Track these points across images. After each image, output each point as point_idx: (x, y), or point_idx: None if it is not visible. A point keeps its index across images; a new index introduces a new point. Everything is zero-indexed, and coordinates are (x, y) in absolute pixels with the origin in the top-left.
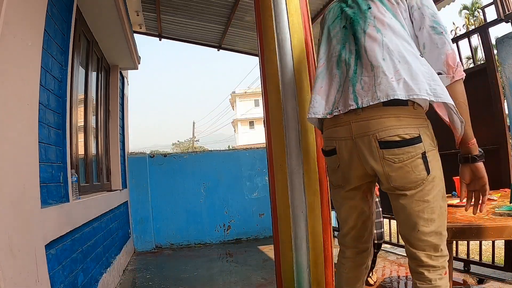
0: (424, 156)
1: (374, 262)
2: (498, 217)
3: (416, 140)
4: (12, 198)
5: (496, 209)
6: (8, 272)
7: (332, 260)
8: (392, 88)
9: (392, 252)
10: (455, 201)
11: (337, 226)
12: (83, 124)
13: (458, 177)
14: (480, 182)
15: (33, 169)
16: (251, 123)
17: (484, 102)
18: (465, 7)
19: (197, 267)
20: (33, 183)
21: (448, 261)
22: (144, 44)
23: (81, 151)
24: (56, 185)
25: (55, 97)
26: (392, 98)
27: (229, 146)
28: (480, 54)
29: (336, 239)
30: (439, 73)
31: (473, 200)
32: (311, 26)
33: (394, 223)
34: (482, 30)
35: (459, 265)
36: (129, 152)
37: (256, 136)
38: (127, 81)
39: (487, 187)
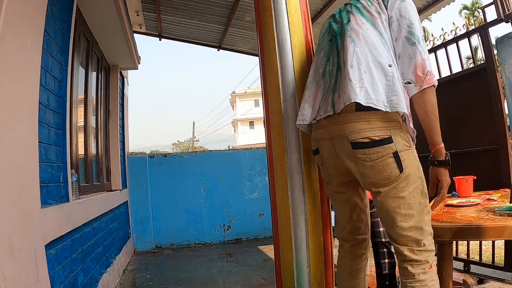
0: (396, 155)
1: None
2: (498, 217)
3: (386, 141)
4: (12, 198)
5: (496, 209)
6: (8, 272)
7: (332, 260)
8: (354, 93)
9: None
10: (455, 201)
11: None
12: (83, 124)
13: (458, 177)
14: (440, 185)
15: (33, 169)
16: (251, 123)
17: (484, 102)
18: (465, 7)
19: (197, 267)
20: (33, 183)
21: (433, 256)
22: (144, 44)
23: (81, 151)
24: (56, 185)
25: (55, 97)
26: (353, 101)
27: (229, 146)
28: (480, 54)
29: (336, 239)
30: (408, 82)
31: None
32: (311, 26)
33: None
34: (482, 30)
35: (459, 265)
36: (129, 152)
37: (256, 136)
38: (127, 81)
39: (444, 191)
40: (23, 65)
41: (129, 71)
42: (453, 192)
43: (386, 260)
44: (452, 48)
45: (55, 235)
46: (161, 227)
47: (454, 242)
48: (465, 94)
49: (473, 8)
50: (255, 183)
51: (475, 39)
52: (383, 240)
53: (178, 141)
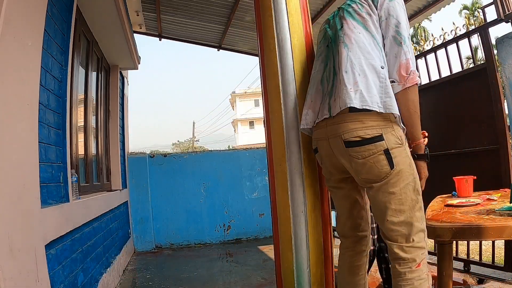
0: (387, 153)
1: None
2: (498, 217)
3: (377, 139)
4: (12, 198)
5: (497, 209)
6: (8, 272)
7: (332, 260)
8: (349, 98)
9: None
10: (455, 201)
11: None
12: (83, 124)
13: (458, 177)
14: (420, 177)
15: (33, 169)
16: (251, 123)
17: (484, 102)
18: (465, 7)
19: (197, 267)
20: (33, 183)
21: (423, 253)
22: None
23: (81, 151)
24: (56, 185)
25: (55, 97)
26: (348, 106)
27: (229, 146)
28: (480, 54)
29: (336, 239)
30: (392, 81)
31: None
32: (311, 26)
33: None
34: (482, 30)
35: (459, 265)
36: (129, 152)
37: (256, 136)
38: (127, 81)
39: (422, 182)
40: (23, 65)
41: (129, 71)
42: (453, 192)
43: (383, 266)
44: (452, 48)
45: (55, 235)
46: (161, 227)
47: (454, 242)
48: (465, 94)
49: (473, 8)
50: (255, 183)
51: (475, 39)
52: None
53: (178, 141)
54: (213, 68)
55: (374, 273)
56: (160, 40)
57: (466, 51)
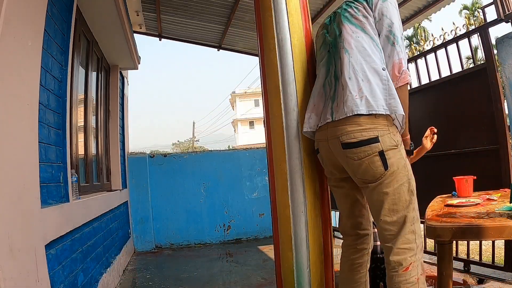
0: (381, 154)
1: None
2: (498, 217)
3: (372, 140)
4: (12, 198)
5: (497, 209)
6: (8, 272)
7: (332, 260)
8: (356, 105)
9: None
10: (455, 201)
11: (337, 225)
12: (83, 124)
13: (458, 177)
14: None
15: (33, 169)
16: (251, 123)
17: (484, 102)
18: (465, 7)
19: (197, 267)
20: (33, 183)
21: (413, 256)
22: (144, 44)
23: (81, 151)
24: (56, 185)
25: (55, 97)
26: (356, 113)
27: (229, 146)
28: (480, 54)
29: (336, 239)
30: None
31: None
32: (311, 26)
33: None
34: (482, 30)
35: (459, 265)
36: (129, 152)
37: (256, 136)
38: (127, 81)
39: None
40: (23, 65)
41: (129, 71)
42: (453, 192)
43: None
44: (452, 48)
45: (55, 235)
46: (161, 227)
47: (454, 242)
48: (465, 94)
49: (473, 8)
50: (255, 183)
51: (475, 39)
52: (378, 255)
53: (178, 141)
54: (213, 68)
55: None
56: (160, 40)
57: (466, 51)
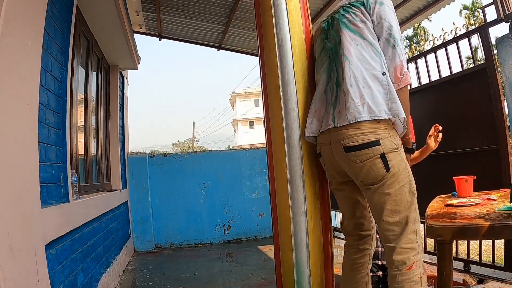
0: (383, 157)
1: None
2: (498, 217)
3: (373, 143)
4: (12, 198)
5: (497, 209)
6: (8, 272)
7: (332, 260)
8: (358, 112)
9: None
10: (455, 201)
11: (337, 225)
12: (83, 124)
13: (458, 177)
14: None
15: (33, 169)
16: (251, 123)
17: (484, 102)
18: (465, 7)
19: (197, 267)
20: (33, 183)
21: (416, 255)
22: (144, 44)
23: (81, 151)
24: (56, 185)
25: (55, 97)
26: (359, 120)
27: (229, 146)
28: (480, 54)
29: (336, 239)
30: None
31: None
32: (311, 26)
33: None
34: (482, 30)
35: (459, 265)
36: (129, 152)
37: (256, 136)
38: (127, 81)
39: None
40: (23, 65)
41: (129, 71)
42: (453, 192)
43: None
44: (452, 48)
45: (55, 235)
46: (161, 227)
47: (454, 242)
48: (465, 94)
49: (473, 8)
50: (255, 183)
51: (475, 39)
52: (379, 262)
53: (178, 141)
54: (213, 68)
55: None
56: (160, 40)
57: (466, 51)
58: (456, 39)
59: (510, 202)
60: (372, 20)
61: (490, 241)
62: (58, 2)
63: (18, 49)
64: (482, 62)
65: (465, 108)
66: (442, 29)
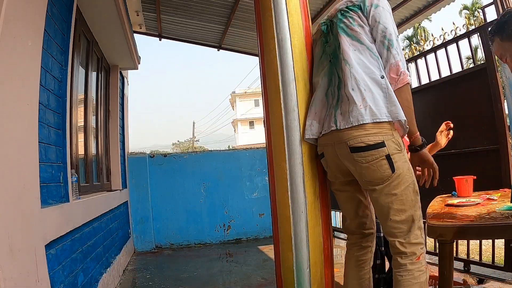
0: (388, 157)
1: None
2: (499, 217)
3: (379, 145)
4: (12, 198)
5: (497, 208)
6: (8, 272)
7: (332, 260)
8: (361, 115)
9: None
10: (455, 201)
11: (337, 225)
12: (83, 124)
13: (458, 177)
14: (427, 164)
15: (33, 169)
16: (251, 123)
17: (484, 102)
18: (465, 7)
19: (197, 267)
20: (33, 183)
21: (422, 248)
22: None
23: (81, 151)
24: (56, 185)
25: (55, 97)
26: (361, 123)
27: (229, 146)
28: (480, 54)
29: (336, 239)
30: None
31: (426, 176)
32: (311, 26)
33: None
34: (482, 30)
35: (459, 265)
36: (129, 152)
37: (256, 136)
38: (127, 81)
39: (435, 166)
40: (23, 65)
41: (129, 71)
42: (453, 192)
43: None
44: (452, 48)
45: (55, 235)
46: (161, 227)
47: (454, 241)
48: (465, 94)
49: (473, 8)
50: (255, 183)
51: (475, 39)
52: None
53: (178, 141)
54: (213, 68)
55: None
56: (160, 40)
57: (466, 51)
58: (456, 39)
59: (511, 202)
60: (368, 24)
61: (490, 241)
62: (58, 2)
63: (18, 49)
64: (482, 62)
65: (465, 108)
66: (442, 29)
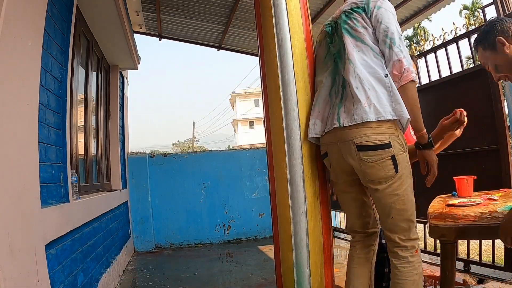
0: (393, 158)
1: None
2: (501, 217)
3: (386, 145)
4: (12, 198)
5: (499, 208)
6: (8, 272)
7: (332, 260)
8: (365, 113)
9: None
10: (456, 201)
11: (337, 225)
12: (83, 124)
13: (458, 177)
14: (430, 164)
15: (33, 169)
16: (251, 123)
17: (484, 102)
18: (465, 7)
19: (197, 267)
20: (33, 183)
21: (418, 243)
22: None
23: (81, 151)
24: (56, 185)
25: (55, 97)
26: (365, 120)
27: (229, 146)
28: None
29: (336, 239)
30: None
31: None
32: (311, 26)
33: None
34: None
35: (459, 265)
36: (129, 152)
37: (256, 136)
38: (127, 81)
39: (434, 169)
40: (23, 65)
41: (129, 71)
42: (453, 192)
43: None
44: (452, 48)
45: (55, 235)
46: (161, 227)
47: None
48: (465, 94)
49: (473, 8)
50: (255, 183)
51: None
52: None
53: (178, 141)
54: (213, 68)
55: None
56: (160, 40)
57: (466, 51)
58: (456, 39)
59: None
60: (372, 25)
61: (490, 241)
62: (58, 2)
63: (18, 49)
64: None
65: (465, 108)
66: (442, 29)
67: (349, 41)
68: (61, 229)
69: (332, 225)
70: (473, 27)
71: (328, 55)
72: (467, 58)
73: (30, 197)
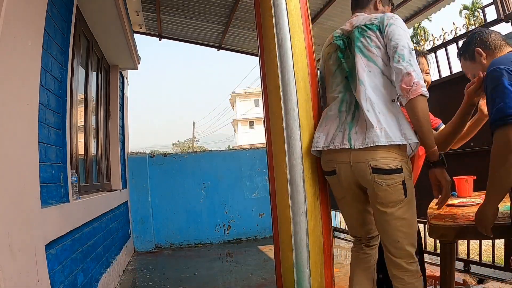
0: (403, 183)
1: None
2: (501, 217)
3: (399, 170)
4: (12, 198)
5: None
6: (8, 272)
7: (332, 260)
8: (377, 136)
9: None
10: (456, 201)
11: (337, 225)
12: (83, 124)
13: (458, 177)
14: (441, 185)
15: (33, 169)
16: (251, 123)
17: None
18: (465, 7)
19: (197, 267)
20: (33, 183)
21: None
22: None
23: (81, 151)
24: (56, 185)
25: (55, 97)
26: (377, 144)
27: (229, 146)
28: None
29: (336, 239)
30: (398, 96)
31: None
32: (311, 26)
33: None
34: None
35: (459, 265)
36: (129, 152)
37: (256, 136)
38: (127, 81)
39: (446, 190)
40: (23, 65)
41: (129, 71)
42: (453, 192)
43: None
44: (452, 48)
45: (55, 235)
46: (161, 227)
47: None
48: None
49: (473, 8)
50: (255, 183)
51: None
52: None
53: (178, 141)
54: (213, 68)
55: None
56: (160, 40)
57: None
58: (456, 39)
59: None
60: (385, 43)
61: (490, 241)
62: (58, 2)
63: (18, 49)
64: None
65: None
66: (442, 29)
67: (361, 61)
68: (61, 229)
69: (332, 225)
70: (473, 27)
71: (339, 70)
72: None
73: (30, 197)
